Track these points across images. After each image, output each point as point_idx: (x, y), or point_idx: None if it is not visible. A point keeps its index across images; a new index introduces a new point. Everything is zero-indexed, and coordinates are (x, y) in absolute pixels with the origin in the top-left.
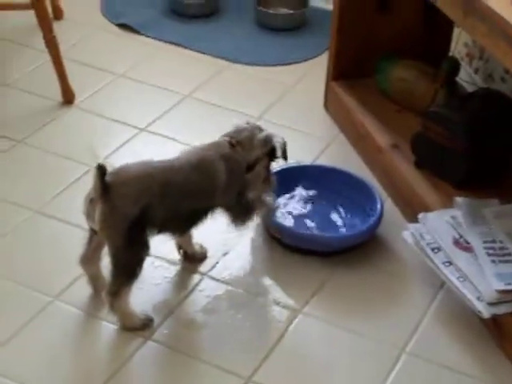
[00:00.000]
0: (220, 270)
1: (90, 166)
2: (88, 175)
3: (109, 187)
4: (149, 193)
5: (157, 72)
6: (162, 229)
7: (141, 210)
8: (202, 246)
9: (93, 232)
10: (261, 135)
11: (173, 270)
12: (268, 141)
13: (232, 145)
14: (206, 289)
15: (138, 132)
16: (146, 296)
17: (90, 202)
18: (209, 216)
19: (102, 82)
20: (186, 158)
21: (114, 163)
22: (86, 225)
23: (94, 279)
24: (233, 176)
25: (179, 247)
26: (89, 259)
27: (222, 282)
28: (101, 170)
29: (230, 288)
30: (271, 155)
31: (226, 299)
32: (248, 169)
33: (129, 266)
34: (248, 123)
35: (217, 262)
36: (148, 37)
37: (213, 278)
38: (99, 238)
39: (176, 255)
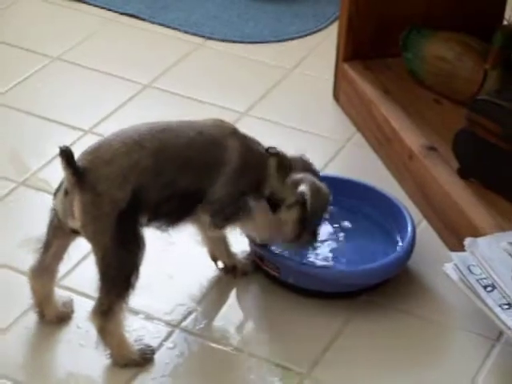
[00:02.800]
0: (196, 321)
1: (16, 181)
2: (14, 194)
3: (85, 171)
4: (139, 168)
5: (106, 54)
6: (152, 216)
7: (132, 192)
8: (244, 256)
9: (54, 234)
10: (296, 176)
11: (133, 320)
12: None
13: (268, 152)
14: (177, 345)
15: (82, 135)
16: (99, 354)
17: (65, 194)
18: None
19: (31, 69)
20: (190, 122)
21: (49, 178)
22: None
23: (45, 301)
24: (246, 169)
25: (214, 258)
26: (44, 271)
27: (199, 335)
28: (66, 153)
29: (209, 344)
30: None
31: (204, 359)
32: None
33: (122, 271)
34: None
35: (191, 310)
36: (94, 6)
37: (187, 331)
38: (59, 243)
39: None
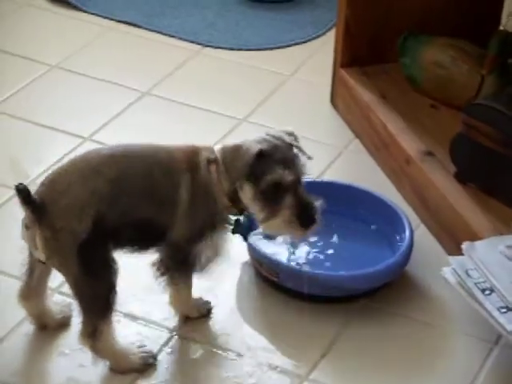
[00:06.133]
0: (194, 326)
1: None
2: (13, 202)
3: (43, 206)
4: (97, 196)
5: (104, 62)
6: (115, 242)
7: (93, 221)
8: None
9: (34, 259)
10: (252, 147)
11: (132, 326)
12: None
13: (208, 162)
14: (176, 350)
15: (81, 142)
16: (93, 364)
17: (27, 229)
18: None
19: (30, 77)
20: (149, 147)
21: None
22: None
23: (42, 316)
24: (197, 204)
25: None
26: (32, 293)
27: (198, 341)
28: (22, 192)
29: (208, 348)
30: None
31: (202, 363)
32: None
33: (95, 296)
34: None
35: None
36: (92, 14)
37: (185, 336)
38: (42, 266)
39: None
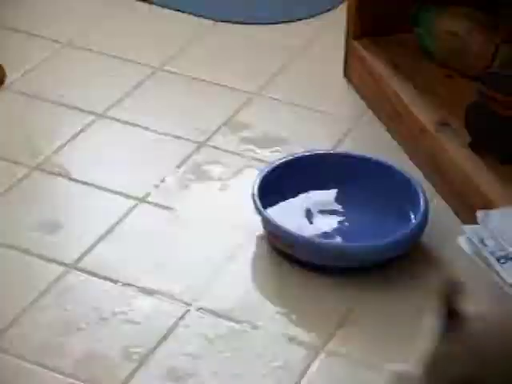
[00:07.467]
0: (210, 299)
1: (30, 165)
2: (27, 179)
3: (459, 323)
4: (478, 360)
5: (116, 38)
6: None
7: (463, 378)
8: None
9: None
10: None
11: (147, 301)
12: None
13: None
14: (192, 324)
15: (95, 119)
16: (116, 334)
17: None
18: None
19: (42, 55)
20: None
21: (63, 162)
22: None
23: None
24: None
25: None
26: None
27: (214, 314)
28: (449, 288)
29: (222, 321)
30: None
31: (217, 336)
32: None
33: None
34: None
35: (206, 289)
36: None
37: (202, 309)
38: None
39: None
